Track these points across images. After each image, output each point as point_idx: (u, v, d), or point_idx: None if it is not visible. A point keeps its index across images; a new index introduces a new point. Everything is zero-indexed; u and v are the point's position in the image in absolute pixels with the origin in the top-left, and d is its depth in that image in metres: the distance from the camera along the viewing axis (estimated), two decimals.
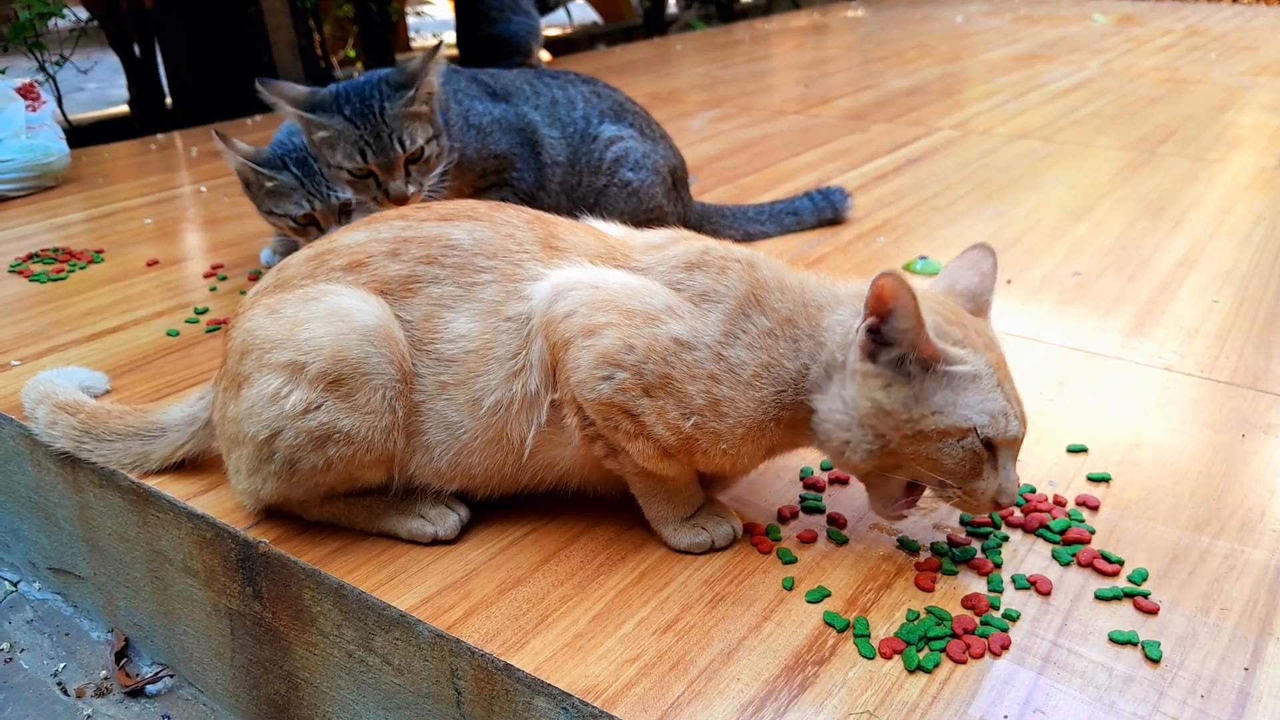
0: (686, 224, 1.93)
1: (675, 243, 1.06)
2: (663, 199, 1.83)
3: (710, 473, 1.09)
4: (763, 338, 0.99)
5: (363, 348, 0.99)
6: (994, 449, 0.94)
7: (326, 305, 1.02)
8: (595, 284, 0.99)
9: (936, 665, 0.89)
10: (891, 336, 0.93)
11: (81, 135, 3.65)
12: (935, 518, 1.10)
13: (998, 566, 1.02)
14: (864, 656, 0.90)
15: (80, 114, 4.23)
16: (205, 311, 1.72)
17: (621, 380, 0.96)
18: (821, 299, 1.02)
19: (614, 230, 1.12)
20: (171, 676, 1.30)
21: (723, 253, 1.03)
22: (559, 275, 1.01)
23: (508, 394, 1.01)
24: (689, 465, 1.03)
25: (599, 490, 1.11)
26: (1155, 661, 0.89)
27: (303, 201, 1.71)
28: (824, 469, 1.20)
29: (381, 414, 1.01)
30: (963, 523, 1.09)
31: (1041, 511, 1.10)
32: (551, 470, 1.07)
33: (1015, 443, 0.96)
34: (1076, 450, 1.23)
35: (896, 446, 0.95)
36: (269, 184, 1.72)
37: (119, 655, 1.32)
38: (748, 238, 2.02)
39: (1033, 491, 1.14)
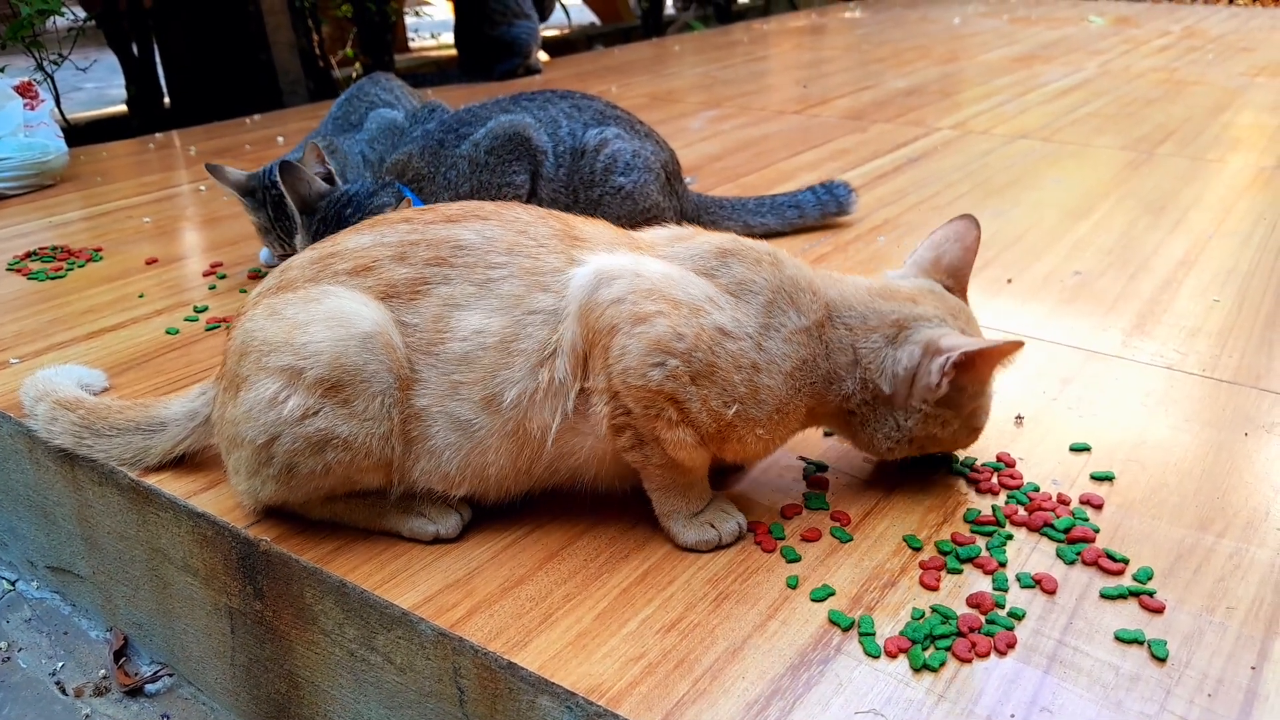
0: (684, 216, 1.92)
1: (701, 233, 1.10)
2: (658, 196, 1.82)
3: (734, 460, 1.11)
4: (799, 334, 1.03)
5: (361, 354, 0.98)
6: None
7: (326, 308, 1.01)
8: (638, 272, 1.00)
9: (942, 664, 0.89)
10: (959, 390, 1.07)
11: (80, 134, 3.65)
12: (940, 516, 1.09)
13: (1002, 565, 1.01)
14: (869, 655, 0.90)
15: (78, 113, 4.22)
16: (205, 310, 1.71)
17: (673, 368, 0.97)
18: (851, 315, 1.08)
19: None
20: (171, 676, 1.29)
21: (752, 244, 1.07)
22: (601, 261, 1.01)
23: (532, 384, 1.00)
24: (716, 454, 1.05)
25: (609, 486, 1.09)
26: (1162, 660, 0.89)
27: (274, 244, 1.78)
28: (822, 471, 1.20)
29: (379, 420, 1.00)
30: (967, 520, 1.08)
31: (1046, 510, 1.09)
32: (567, 462, 1.05)
33: None
34: (1079, 449, 1.22)
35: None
36: (250, 217, 1.79)
37: (118, 654, 1.32)
38: (747, 230, 1.99)
39: (1036, 490, 1.14)
